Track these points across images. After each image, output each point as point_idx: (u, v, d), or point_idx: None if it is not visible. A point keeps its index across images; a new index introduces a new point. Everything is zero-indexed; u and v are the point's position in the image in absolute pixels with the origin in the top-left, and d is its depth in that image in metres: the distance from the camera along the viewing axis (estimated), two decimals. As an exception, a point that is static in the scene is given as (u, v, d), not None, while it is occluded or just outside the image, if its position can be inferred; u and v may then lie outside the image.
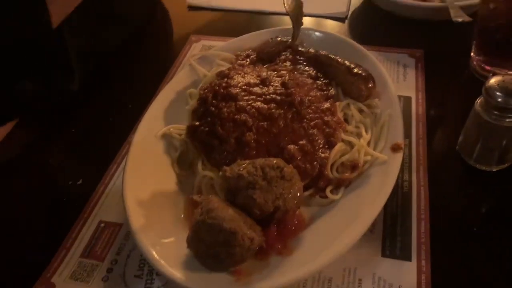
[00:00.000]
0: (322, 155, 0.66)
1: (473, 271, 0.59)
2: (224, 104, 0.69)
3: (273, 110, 0.67)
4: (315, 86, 0.75)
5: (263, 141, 0.66)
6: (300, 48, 0.82)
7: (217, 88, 0.72)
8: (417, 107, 0.81)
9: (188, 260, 0.56)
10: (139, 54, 1.03)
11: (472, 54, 0.87)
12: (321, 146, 0.67)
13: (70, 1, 0.75)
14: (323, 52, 0.79)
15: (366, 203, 0.60)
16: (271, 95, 0.69)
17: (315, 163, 0.65)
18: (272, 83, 0.72)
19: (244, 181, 0.56)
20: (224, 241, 0.52)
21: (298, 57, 0.81)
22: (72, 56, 0.81)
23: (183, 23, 1.13)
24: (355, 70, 0.73)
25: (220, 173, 0.59)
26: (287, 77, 0.73)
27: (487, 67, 0.83)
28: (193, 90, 0.79)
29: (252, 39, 0.88)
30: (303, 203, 0.63)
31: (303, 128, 0.67)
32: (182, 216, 0.64)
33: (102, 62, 0.98)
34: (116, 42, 1.02)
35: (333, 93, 0.74)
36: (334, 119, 0.70)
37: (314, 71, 0.78)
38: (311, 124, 0.68)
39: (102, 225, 0.68)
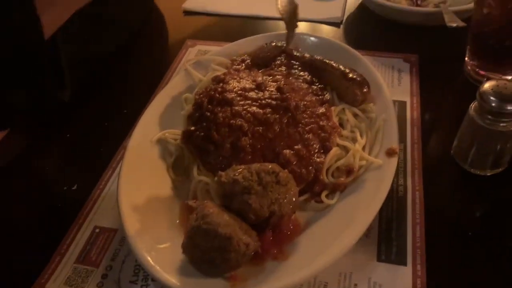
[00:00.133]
0: (318, 159, 0.66)
1: (468, 275, 0.59)
2: (219, 109, 0.69)
3: (269, 115, 0.67)
4: (310, 91, 0.75)
5: (259, 146, 0.66)
6: (295, 53, 0.82)
7: (213, 93, 0.72)
8: (412, 112, 0.81)
9: (184, 265, 0.56)
10: (135, 59, 1.03)
11: (466, 59, 0.87)
12: (316, 150, 0.67)
13: (63, 11, 0.74)
14: (318, 57, 0.79)
15: (361, 208, 0.60)
16: (267, 100, 0.69)
17: (311, 167, 0.65)
18: (267, 88, 0.72)
19: (239, 186, 0.56)
20: (220, 246, 0.52)
21: (293, 62, 0.81)
22: (65, 67, 0.81)
23: (178, 28, 1.13)
24: (350, 75, 0.74)
25: (216, 178, 0.59)
26: (282, 82, 0.73)
27: (481, 72, 0.84)
28: (189, 95, 0.79)
29: (247, 44, 0.88)
30: (299, 208, 0.63)
31: (299, 133, 0.67)
32: (178, 221, 0.64)
33: (98, 67, 0.98)
34: (112, 47, 1.02)
35: (328, 98, 0.74)
36: (329, 123, 0.70)
37: (309, 76, 0.78)
38: (306, 129, 0.68)
39: (97, 230, 0.68)
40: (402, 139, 0.75)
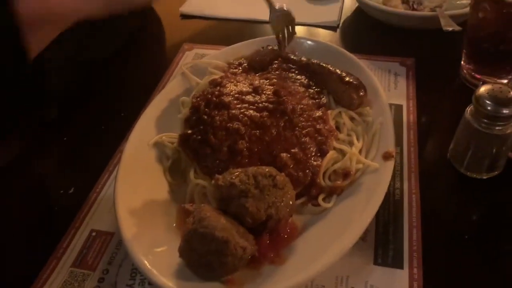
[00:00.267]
0: (314, 163, 0.66)
1: (464, 279, 0.59)
2: (216, 112, 0.69)
3: (266, 119, 0.68)
4: (307, 94, 0.75)
5: (256, 150, 0.66)
6: (292, 57, 0.83)
7: (210, 96, 0.72)
8: (408, 115, 0.81)
9: (180, 269, 0.56)
10: (132, 62, 1.03)
11: (462, 62, 0.88)
12: (313, 154, 0.67)
13: (50, 33, 0.70)
14: (315, 61, 0.79)
15: (358, 211, 0.60)
16: (264, 104, 0.70)
17: (308, 171, 0.65)
18: (264, 92, 0.72)
19: (236, 190, 0.56)
20: (216, 250, 0.52)
21: (290, 65, 0.82)
22: (51, 87, 0.79)
23: (176, 32, 1.13)
24: (347, 79, 0.74)
25: (213, 181, 0.59)
26: (279, 85, 0.73)
27: (477, 76, 0.84)
28: (186, 98, 0.80)
29: (244, 48, 0.88)
30: (296, 211, 0.63)
31: (295, 136, 0.68)
32: (174, 225, 0.64)
33: (95, 71, 0.98)
34: (109, 50, 1.02)
35: (325, 102, 0.75)
36: (326, 127, 0.70)
37: (306, 80, 0.78)
38: (303, 132, 0.68)
39: (94, 234, 0.68)
40: (398, 142, 0.75)
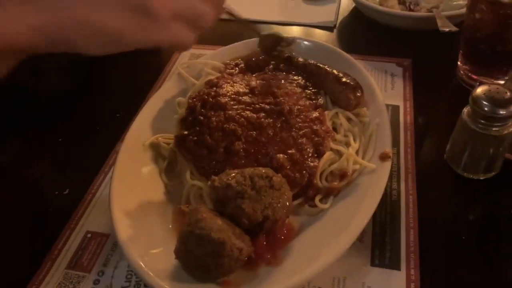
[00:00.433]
0: (311, 164, 0.66)
1: (462, 280, 0.59)
2: (213, 113, 0.69)
3: (262, 119, 0.67)
4: (304, 95, 0.75)
5: (252, 150, 0.66)
6: (289, 55, 0.82)
7: (206, 97, 0.72)
8: (405, 116, 0.81)
9: (176, 271, 0.56)
10: (128, 62, 1.02)
11: (459, 63, 0.88)
12: (310, 155, 0.67)
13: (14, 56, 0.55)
14: (312, 61, 0.79)
15: (355, 212, 0.60)
16: (260, 104, 0.69)
17: (304, 172, 0.65)
18: (261, 92, 0.72)
19: (232, 191, 0.56)
20: (213, 251, 0.52)
21: (287, 66, 0.81)
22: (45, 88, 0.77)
23: (172, 32, 1.12)
24: (344, 79, 0.74)
25: (209, 182, 0.59)
26: (276, 86, 0.73)
27: (474, 76, 0.84)
28: (182, 99, 0.79)
29: (241, 48, 0.88)
30: (292, 212, 0.62)
31: (292, 137, 0.67)
32: (170, 226, 0.64)
33: (90, 71, 0.97)
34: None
35: (322, 102, 0.74)
36: (323, 128, 0.70)
37: (303, 80, 0.78)
38: (300, 133, 0.68)
39: (89, 235, 0.67)
40: (395, 143, 0.75)
